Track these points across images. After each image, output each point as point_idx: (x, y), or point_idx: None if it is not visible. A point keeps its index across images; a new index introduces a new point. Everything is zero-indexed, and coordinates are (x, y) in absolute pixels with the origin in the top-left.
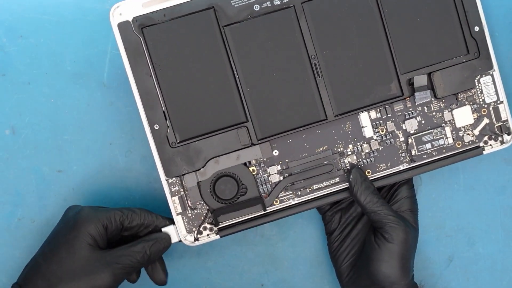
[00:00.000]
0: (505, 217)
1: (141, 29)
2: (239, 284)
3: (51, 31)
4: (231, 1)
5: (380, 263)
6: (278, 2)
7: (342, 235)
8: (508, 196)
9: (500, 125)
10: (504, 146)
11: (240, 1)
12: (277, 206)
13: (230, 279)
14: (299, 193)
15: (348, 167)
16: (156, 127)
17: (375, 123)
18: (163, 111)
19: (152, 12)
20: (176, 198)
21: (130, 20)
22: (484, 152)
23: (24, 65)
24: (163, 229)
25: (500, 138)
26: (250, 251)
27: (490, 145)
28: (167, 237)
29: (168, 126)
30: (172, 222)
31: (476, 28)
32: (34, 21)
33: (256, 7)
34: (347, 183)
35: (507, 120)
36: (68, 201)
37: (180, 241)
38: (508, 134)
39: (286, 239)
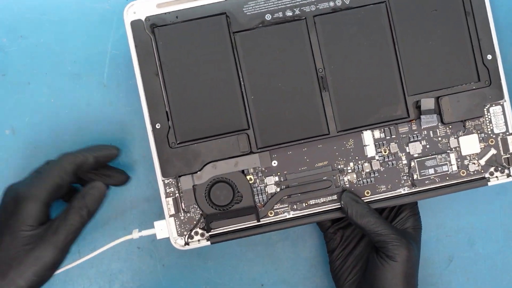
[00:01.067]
0: (505, 217)
1: (153, 28)
2: (239, 284)
3: (51, 31)
4: (244, 9)
5: (385, 282)
6: (290, 14)
7: (344, 252)
8: (508, 196)
9: (507, 157)
10: (511, 179)
11: (253, 9)
12: (271, 218)
13: (230, 279)
14: (294, 206)
15: (347, 184)
16: (158, 126)
17: (378, 143)
18: (166, 111)
19: (165, 13)
20: (170, 200)
21: (143, 19)
22: (489, 184)
23: (24, 65)
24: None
25: (506, 171)
26: (250, 251)
27: (496, 177)
28: (99, 185)
29: (169, 127)
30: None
31: (489, 57)
32: (34, 21)
33: (268, 17)
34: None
35: None
36: None
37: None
38: None
39: (286, 239)
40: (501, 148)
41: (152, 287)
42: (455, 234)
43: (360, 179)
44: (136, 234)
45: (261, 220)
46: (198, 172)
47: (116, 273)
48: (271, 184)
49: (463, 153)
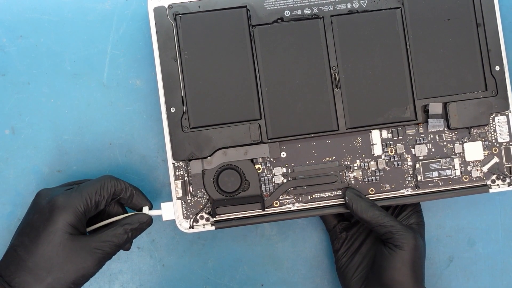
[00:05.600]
0: (505, 217)
1: (175, 16)
2: (239, 284)
3: (51, 31)
4: (264, 4)
5: (393, 271)
6: (308, 12)
7: (350, 250)
8: (508, 196)
9: (509, 166)
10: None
11: (273, 5)
12: (276, 208)
13: (230, 279)
14: (300, 198)
15: (352, 181)
16: (172, 110)
17: (385, 143)
18: (182, 96)
19: (188, 2)
20: (179, 182)
21: (166, 6)
22: (490, 191)
23: (24, 65)
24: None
25: (508, 180)
26: (250, 251)
27: (497, 184)
28: (149, 219)
29: (183, 111)
30: (149, 203)
31: (497, 68)
32: (34, 21)
33: (287, 13)
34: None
35: None
36: None
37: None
38: None
39: (286, 239)
40: (504, 157)
41: (152, 287)
42: (455, 234)
43: (366, 176)
44: (146, 210)
45: (266, 209)
46: (208, 158)
47: (116, 273)
48: (278, 175)
49: (467, 159)
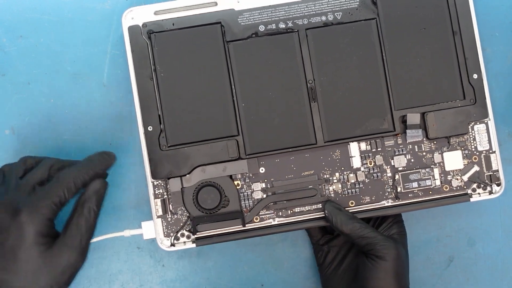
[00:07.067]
0: (505, 217)
1: (149, 34)
2: (239, 284)
3: (51, 31)
4: (238, 19)
5: (377, 282)
6: (283, 26)
7: (333, 263)
8: (508, 196)
9: (490, 175)
10: (492, 196)
11: (247, 20)
12: (257, 224)
13: (230, 279)
14: (280, 213)
15: (332, 194)
16: (150, 128)
17: (364, 155)
18: (159, 115)
19: (162, 20)
20: (158, 201)
21: (140, 24)
22: (471, 200)
23: (24, 65)
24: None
25: (489, 188)
26: (250, 251)
27: (478, 193)
28: (100, 186)
29: (161, 130)
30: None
31: (475, 76)
32: (34, 21)
33: (262, 28)
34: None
35: (497, 171)
36: None
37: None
38: (498, 185)
39: (286, 239)
40: (484, 166)
41: (152, 287)
42: (455, 234)
43: (345, 189)
44: (127, 233)
45: (246, 225)
46: (187, 175)
47: (116, 273)
48: (257, 190)
49: (447, 169)
